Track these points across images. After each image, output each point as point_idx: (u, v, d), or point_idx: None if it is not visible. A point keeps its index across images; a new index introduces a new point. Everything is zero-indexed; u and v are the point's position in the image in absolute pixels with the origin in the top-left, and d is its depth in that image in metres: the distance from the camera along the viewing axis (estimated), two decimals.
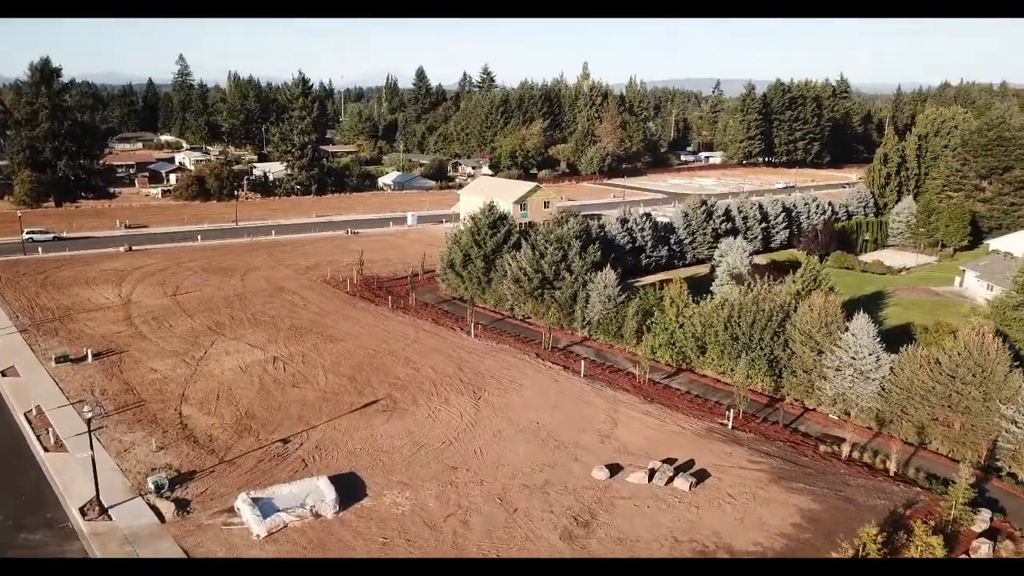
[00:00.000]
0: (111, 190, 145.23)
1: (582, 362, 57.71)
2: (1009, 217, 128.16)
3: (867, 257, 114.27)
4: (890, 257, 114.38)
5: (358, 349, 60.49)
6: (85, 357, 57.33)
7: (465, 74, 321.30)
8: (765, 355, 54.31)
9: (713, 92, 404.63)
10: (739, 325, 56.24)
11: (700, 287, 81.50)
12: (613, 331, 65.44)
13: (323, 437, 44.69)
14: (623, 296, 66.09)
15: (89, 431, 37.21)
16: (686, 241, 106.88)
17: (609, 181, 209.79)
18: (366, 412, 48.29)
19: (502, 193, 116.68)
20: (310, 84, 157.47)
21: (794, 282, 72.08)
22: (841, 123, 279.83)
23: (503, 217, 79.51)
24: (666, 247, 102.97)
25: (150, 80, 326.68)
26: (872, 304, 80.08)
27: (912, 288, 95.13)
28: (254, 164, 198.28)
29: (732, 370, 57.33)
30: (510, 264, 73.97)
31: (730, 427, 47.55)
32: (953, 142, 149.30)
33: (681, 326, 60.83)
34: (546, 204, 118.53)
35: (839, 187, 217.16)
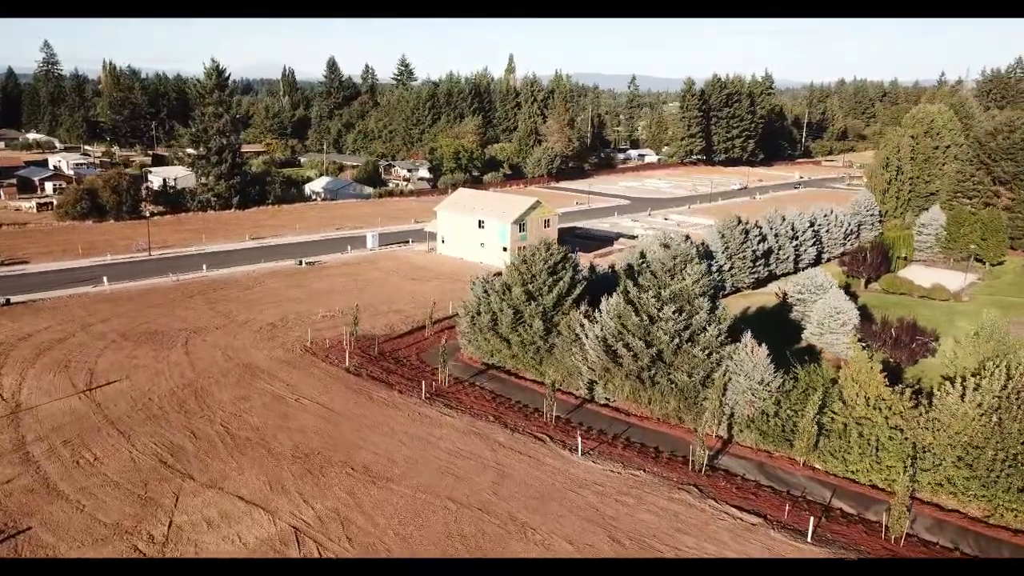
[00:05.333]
0: None
1: (809, 518, 37.04)
2: None
3: (904, 275, 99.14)
4: (924, 274, 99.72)
5: (425, 499, 37.70)
6: None
7: (368, 66, 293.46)
8: None
9: (629, 88, 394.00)
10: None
11: (760, 327, 63.36)
12: (775, 433, 45.45)
13: None
14: (778, 378, 46.26)
15: None
16: (725, 267, 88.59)
17: (558, 184, 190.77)
18: None
19: (494, 210, 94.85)
20: (227, 74, 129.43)
21: (960, 342, 54.34)
22: (768, 120, 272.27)
23: (565, 258, 58.00)
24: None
25: (10, 69, 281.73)
26: None
27: (1012, 323, 79.96)
28: (149, 169, 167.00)
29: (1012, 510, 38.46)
30: (583, 327, 52.72)
31: None
32: (943, 143, 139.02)
33: (896, 429, 41.54)
34: (546, 223, 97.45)
35: (790, 187, 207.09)
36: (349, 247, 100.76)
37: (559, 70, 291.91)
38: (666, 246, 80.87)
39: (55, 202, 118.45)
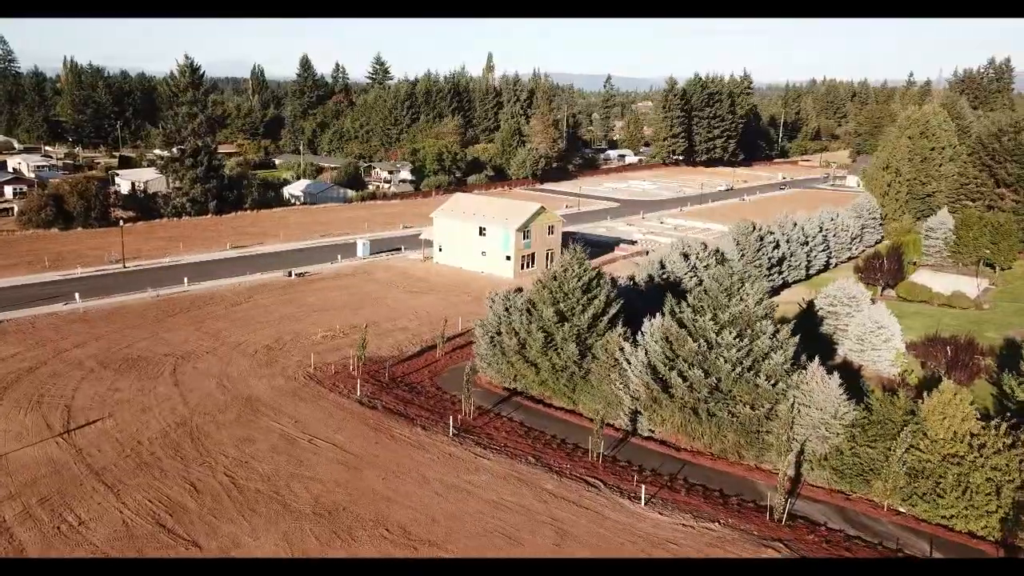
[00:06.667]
0: None
1: None
2: None
3: (915, 280, 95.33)
4: (934, 280, 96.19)
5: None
6: None
7: (338, 64, 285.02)
8: None
9: (605, 87, 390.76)
10: None
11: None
12: (853, 472, 40.69)
13: None
14: (852, 409, 41.48)
15: None
16: None
17: (543, 186, 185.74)
18: None
19: (496, 216, 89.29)
20: (201, 72, 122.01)
21: None
22: (747, 120, 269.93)
23: (599, 275, 52.76)
24: None
25: None
26: None
27: None
28: (116, 172, 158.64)
29: None
30: (622, 351, 47.64)
31: None
32: (939, 145, 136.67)
33: (996, 470, 36.96)
34: (550, 230, 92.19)
35: (775, 188, 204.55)
36: (339, 256, 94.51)
37: (537, 69, 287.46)
38: (686, 256, 76.60)
39: (16, 208, 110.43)
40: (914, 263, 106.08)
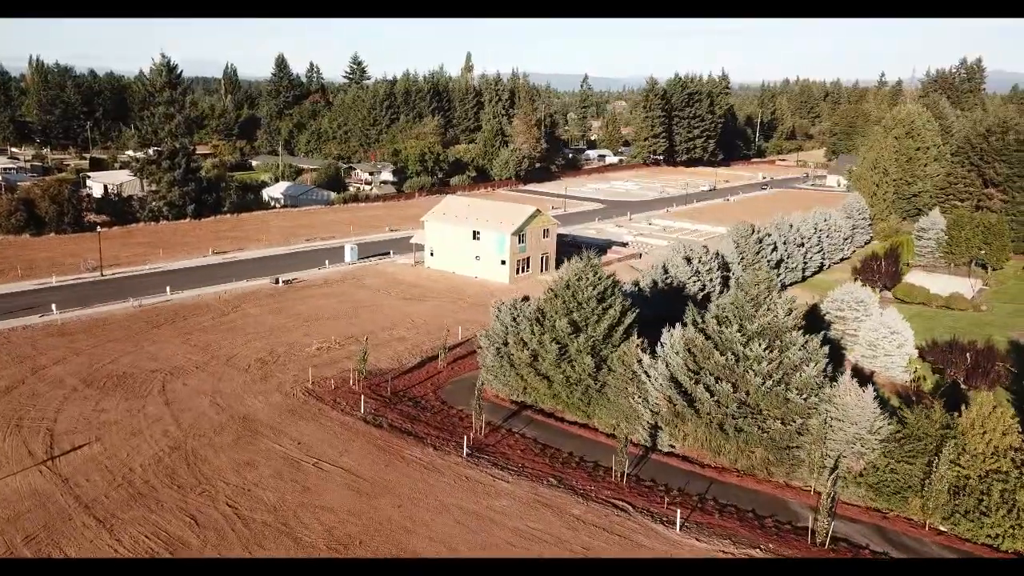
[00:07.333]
0: None
1: None
2: None
3: (912, 281, 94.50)
4: (927, 280, 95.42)
5: None
6: None
7: (312, 64, 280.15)
8: None
9: (582, 87, 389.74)
10: None
11: None
12: (892, 490, 38.84)
13: None
14: (885, 423, 39.64)
15: None
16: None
17: (526, 187, 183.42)
18: None
19: (490, 220, 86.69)
20: (179, 70, 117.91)
21: None
22: (725, 120, 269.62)
23: (615, 283, 50.51)
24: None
25: None
26: None
27: None
28: (87, 174, 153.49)
29: None
30: (640, 363, 45.50)
31: None
32: (924, 144, 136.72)
33: None
34: (545, 233, 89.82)
35: (757, 188, 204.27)
36: (327, 261, 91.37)
37: (516, 68, 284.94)
38: (688, 260, 74.79)
39: None
40: (907, 264, 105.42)
